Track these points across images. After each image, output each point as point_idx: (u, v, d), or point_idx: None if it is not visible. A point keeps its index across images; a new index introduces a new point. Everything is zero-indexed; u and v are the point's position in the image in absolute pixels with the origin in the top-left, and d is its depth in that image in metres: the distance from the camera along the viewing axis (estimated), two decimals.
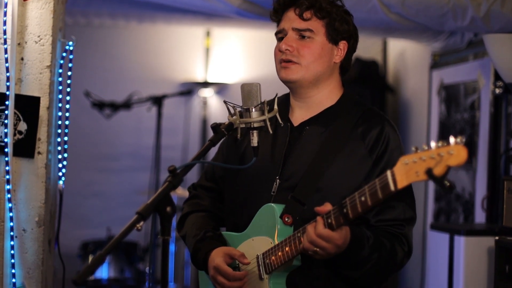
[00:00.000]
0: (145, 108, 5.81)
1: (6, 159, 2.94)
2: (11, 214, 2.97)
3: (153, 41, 6.54)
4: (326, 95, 2.42)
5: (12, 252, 2.98)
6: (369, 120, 2.37)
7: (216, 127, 2.21)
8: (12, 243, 2.98)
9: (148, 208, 1.89)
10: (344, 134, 2.34)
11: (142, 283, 5.53)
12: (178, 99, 6.30)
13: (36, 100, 3.03)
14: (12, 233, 2.98)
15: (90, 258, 5.46)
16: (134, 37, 6.51)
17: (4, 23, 2.96)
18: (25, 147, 3.02)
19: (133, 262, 5.57)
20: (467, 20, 3.84)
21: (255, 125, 2.24)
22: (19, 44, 3.02)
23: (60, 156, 3.19)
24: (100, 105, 5.57)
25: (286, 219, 2.28)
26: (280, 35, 2.41)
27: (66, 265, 3.16)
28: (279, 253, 2.24)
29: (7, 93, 2.94)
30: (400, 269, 2.37)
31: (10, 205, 2.97)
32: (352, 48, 2.44)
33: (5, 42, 2.97)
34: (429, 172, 1.85)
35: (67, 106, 3.18)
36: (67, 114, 3.19)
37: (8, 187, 2.95)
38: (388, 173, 1.96)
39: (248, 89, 2.24)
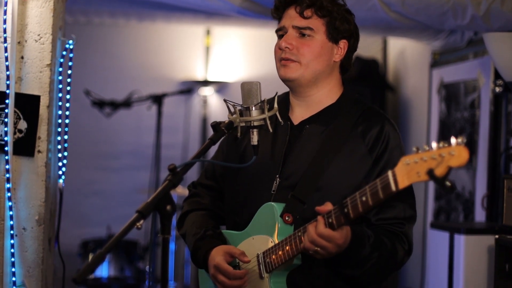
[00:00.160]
0: (145, 107, 5.80)
1: (6, 157, 2.94)
2: (11, 212, 2.97)
3: (153, 40, 6.53)
4: (326, 94, 2.42)
5: (12, 250, 2.97)
6: (369, 118, 2.37)
7: (216, 125, 2.21)
8: (12, 241, 2.98)
9: (148, 206, 1.89)
10: (344, 133, 2.34)
11: (142, 282, 5.53)
12: (178, 98, 6.30)
13: (36, 98, 3.03)
14: (12, 232, 2.98)
15: (90, 256, 5.46)
16: (134, 35, 6.50)
17: (4, 21, 2.96)
18: (25, 146, 3.02)
19: (133, 261, 5.56)
20: (467, 19, 3.84)
21: (255, 123, 2.24)
22: (19, 42, 3.02)
23: (60, 155, 3.19)
24: (100, 104, 5.56)
25: (287, 218, 2.28)
26: (281, 33, 2.40)
27: (66, 263, 3.16)
28: (280, 252, 2.24)
29: (7, 91, 2.93)
30: (401, 267, 2.37)
31: (10, 203, 2.96)
32: (352, 47, 2.43)
33: (5, 40, 2.96)
34: (430, 173, 1.85)
35: (67, 104, 3.18)
36: (67, 113, 3.19)
37: (8, 185, 2.95)
38: (389, 173, 1.96)
39: (248, 88, 2.24)
